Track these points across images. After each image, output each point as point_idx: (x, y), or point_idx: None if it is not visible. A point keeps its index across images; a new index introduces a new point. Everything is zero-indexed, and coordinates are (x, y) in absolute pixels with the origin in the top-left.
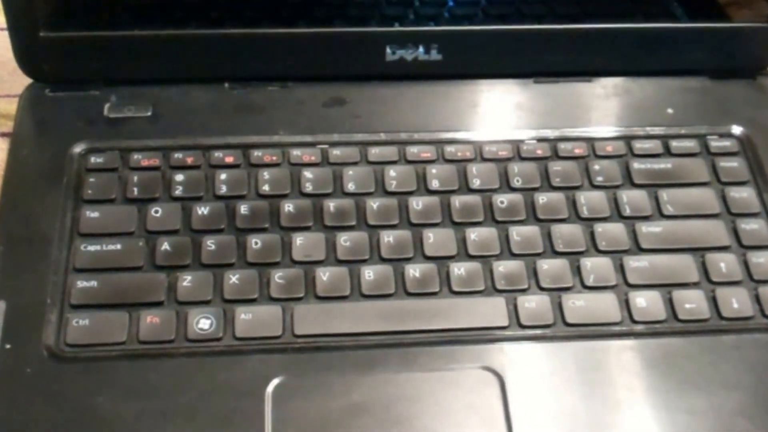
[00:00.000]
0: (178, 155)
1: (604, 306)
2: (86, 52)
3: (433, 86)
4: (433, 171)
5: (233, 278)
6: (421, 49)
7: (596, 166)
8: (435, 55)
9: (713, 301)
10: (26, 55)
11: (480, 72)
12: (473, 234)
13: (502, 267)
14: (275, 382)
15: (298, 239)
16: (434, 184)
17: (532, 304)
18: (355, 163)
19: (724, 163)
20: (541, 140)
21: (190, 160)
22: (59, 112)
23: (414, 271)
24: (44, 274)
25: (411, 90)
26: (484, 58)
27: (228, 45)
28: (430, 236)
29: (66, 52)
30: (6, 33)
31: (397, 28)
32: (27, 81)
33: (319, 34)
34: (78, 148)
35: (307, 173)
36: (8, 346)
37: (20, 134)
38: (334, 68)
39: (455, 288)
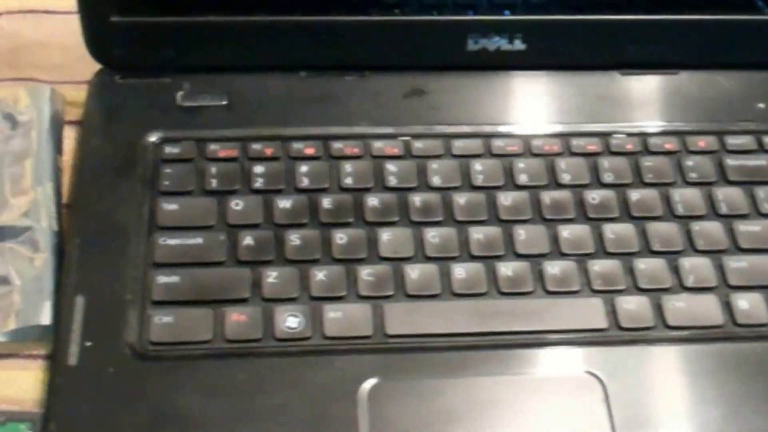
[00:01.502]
0: (256, 146)
1: (705, 308)
2: (158, 38)
3: (515, 77)
4: (521, 165)
5: (320, 275)
6: (504, 38)
7: (689, 162)
8: (518, 45)
9: None
10: (96, 41)
11: (564, 63)
12: (565, 231)
13: (597, 266)
14: (369, 383)
15: (385, 235)
16: (522, 179)
17: (631, 306)
18: (439, 156)
19: None
20: (630, 134)
21: (269, 152)
22: (131, 100)
23: (506, 269)
24: (123, 268)
25: (492, 81)
26: (568, 49)
27: (304, 32)
28: (521, 233)
29: (137, 38)
30: (72, 17)
31: (480, 16)
32: (94, 67)
33: (398, 22)
34: (152, 138)
35: (391, 166)
36: (89, 344)
37: (90, 123)
38: (413, 58)
39: (550, 288)
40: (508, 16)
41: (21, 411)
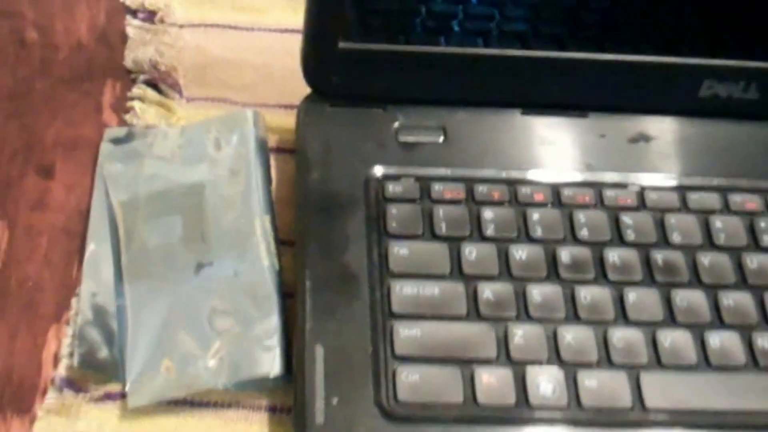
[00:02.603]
0: (482, 188)
1: None
2: (380, 66)
3: (746, 126)
4: (761, 225)
5: (568, 336)
6: (739, 85)
7: None
8: (752, 94)
9: None
10: (318, 66)
11: None
12: None
13: None
14: None
15: (631, 294)
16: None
17: None
18: (676, 210)
19: None
20: None
21: (496, 195)
22: (346, 131)
23: (762, 340)
24: (360, 316)
25: (722, 129)
26: None
27: (526, 68)
28: None
29: (360, 66)
30: (257, 34)
31: (720, 61)
32: (289, 89)
33: (629, 62)
34: (377, 173)
35: (626, 218)
36: (336, 400)
37: (306, 153)
38: (641, 100)
39: None
40: (751, 63)
41: None
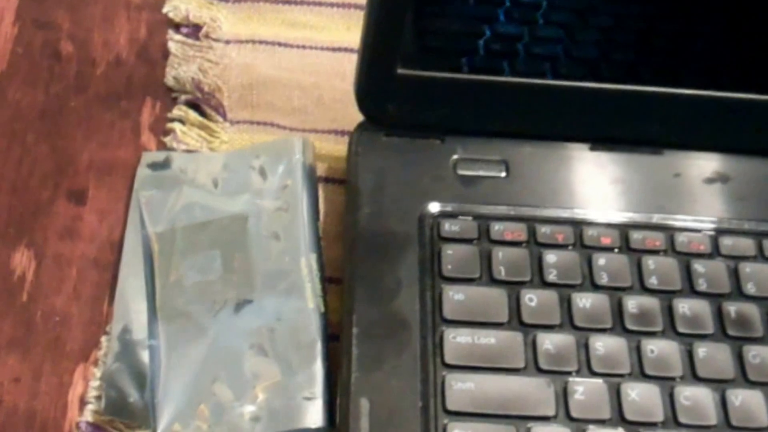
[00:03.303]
0: (545, 230)
1: None
2: (438, 95)
3: None
4: None
5: (632, 394)
6: None
7: None
8: None
9: None
10: (373, 92)
11: None
12: None
13: None
14: None
15: (701, 350)
16: None
17: None
18: (753, 258)
19: None
20: None
21: (560, 238)
22: (401, 163)
23: None
24: (410, 367)
25: None
26: None
27: (595, 100)
28: None
29: (418, 93)
30: (308, 52)
31: None
32: (341, 115)
33: (709, 97)
34: (432, 210)
35: (698, 266)
36: None
37: (357, 186)
38: (719, 138)
39: None
40: None
41: None
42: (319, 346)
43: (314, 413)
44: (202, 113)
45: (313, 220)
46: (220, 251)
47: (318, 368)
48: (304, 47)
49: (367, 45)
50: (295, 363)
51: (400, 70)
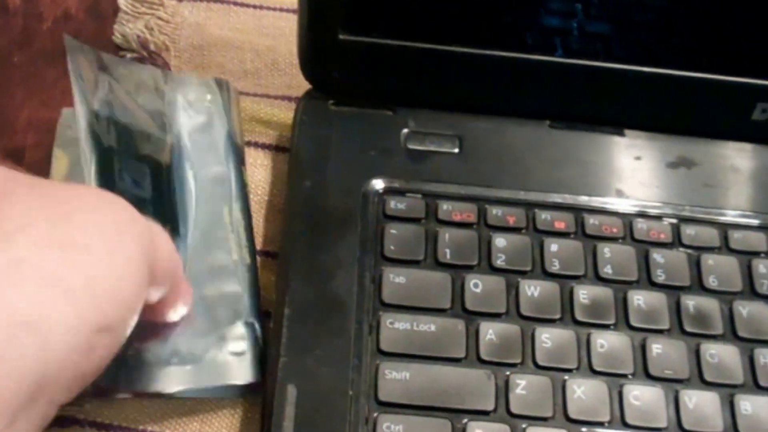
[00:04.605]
0: (496, 212)
1: None
2: (388, 63)
3: None
4: None
5: (578, 391)
6: None
7: None
8: None
9: None
10: (315, 60)
11: None
12: None
13: None
14: None
15: (654, 346)
16: None
17: None
18: (715, 249)
19: None
20: None
21: (511, 220)
22: (348, 134)
23: None
24: (341, 353)
25: None
26: None
27: (556, 75)
28: None
29: (364, 61)
30: (265, 12)
31: None
32: (293, 80)
33: (676, 77)
34: (377, 186)
35: (657, 256)
36: None
37: (300, 157)
38: (685, 120)
39: None
40: None
41: None
42: (246, 300)
43: (243, 368)
44: None
45: (239, 168)
46: (148, 169)
47: (242, 324)
48: (260, 8)
49: (306, 6)
50: (222, 317)
51: (341, 36)
